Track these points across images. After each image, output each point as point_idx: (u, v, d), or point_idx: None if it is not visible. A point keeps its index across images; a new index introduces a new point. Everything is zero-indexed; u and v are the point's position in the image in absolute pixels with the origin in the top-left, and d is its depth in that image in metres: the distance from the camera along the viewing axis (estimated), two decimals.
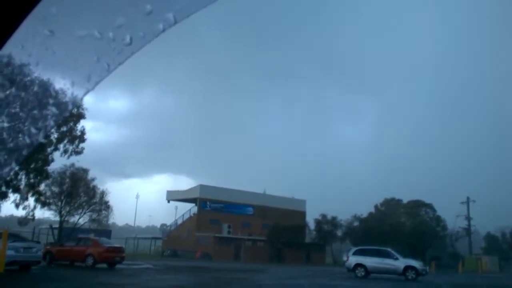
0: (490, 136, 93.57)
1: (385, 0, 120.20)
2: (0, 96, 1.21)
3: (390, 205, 51.02)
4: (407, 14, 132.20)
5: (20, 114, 1.19)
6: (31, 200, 23.43)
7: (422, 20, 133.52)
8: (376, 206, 50.59)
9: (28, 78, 1.19)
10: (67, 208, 28.51)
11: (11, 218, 30.30)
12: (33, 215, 23.96)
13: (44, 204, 24.73)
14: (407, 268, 20.31)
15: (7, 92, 1.19)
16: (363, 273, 20.73)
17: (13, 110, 1.19)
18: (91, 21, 1.12)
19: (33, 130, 1.19)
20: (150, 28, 1.12)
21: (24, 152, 1.19)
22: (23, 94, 1.21)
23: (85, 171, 28.78)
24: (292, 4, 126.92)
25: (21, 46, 1.11)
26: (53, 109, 1.22)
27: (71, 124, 22.07)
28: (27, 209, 23.20)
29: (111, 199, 31.12)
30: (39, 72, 1.16)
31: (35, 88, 1.21)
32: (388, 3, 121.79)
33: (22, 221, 24.67)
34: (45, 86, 1.20)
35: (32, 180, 21.25)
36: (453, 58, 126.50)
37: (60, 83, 1.17)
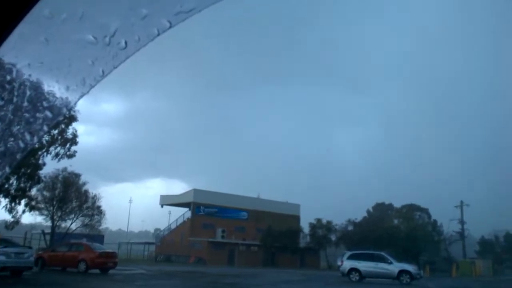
0: (485, 140, 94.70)
1: (385, 1, 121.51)
2: None
3: (382, 210, 51.25)
4: (407, 15, 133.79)
5: (13, 118, 1.17)
6: (21, 205, 23.05)
7: (423, 21, 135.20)
8: (368, 211, 50.75)
9: (22, 81, 1.17)
10: (59, 213, 28.13)
11: (4, 224, 29.80)
12: (17, 219, 23.54)
13: (32, 209, 24.34)
14: (401, 272, 20.39)
15: (1, 96, 1.18)
16: (357, 278, 20.75)
17: (5, 114, 1.17)
18: (86, 25, 1.11)
19: (26, 134, 1.18)
20: (145, 32, 1.11)
21: (18, 156, 1.17)
22: (15, 98, 1.19)
23: (77, 175, 28.48)
24: (290, 5, 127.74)
25: (15, 49, 1.11)
26: (47, 113, 1.21)
27: (63, 126, 21.82)
28: (13, 213, 22.82)
29: (104, 203, 30.85)
30: (33, 76, 1.15)
31: (29, 92, 1.19)
32: (388, 4, 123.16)
33: (8, 225, 24.26)
34: (39, 90, 1.19)
35: (23, 185, 20.93)
36: (453, 62, 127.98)
37: (55, 87, 1.16)
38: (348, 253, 22.59)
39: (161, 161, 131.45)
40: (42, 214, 27.71)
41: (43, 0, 1.05)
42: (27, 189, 21.66)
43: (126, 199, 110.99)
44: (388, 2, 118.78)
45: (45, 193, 27.29)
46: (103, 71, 1.16)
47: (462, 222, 45.39)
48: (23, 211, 23.53)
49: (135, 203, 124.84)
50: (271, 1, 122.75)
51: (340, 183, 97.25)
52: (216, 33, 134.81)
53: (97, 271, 18.15)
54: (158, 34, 1.12)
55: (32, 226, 31.50)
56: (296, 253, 44.32)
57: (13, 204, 21.87)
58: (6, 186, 19.64)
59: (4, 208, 21.89)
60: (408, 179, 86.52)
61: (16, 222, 23.76)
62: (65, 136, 22.40)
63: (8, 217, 23.45)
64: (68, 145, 22.61)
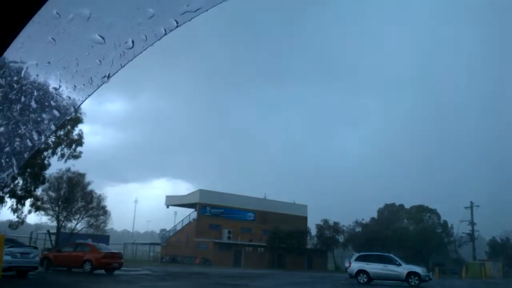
0: (495, 141, 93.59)
1: (387, 1, 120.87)
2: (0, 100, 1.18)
3: (391, 211, 50.83)
4: (410, 16, 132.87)
5: (20, 118, 1.18)
6: (27, 205, 23.23)
7: (426, 22, 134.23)
8: (378, 211, 50.37)
9: (30, 81, 1.18)
10: (64, 213, 28.27)
11: (9, 223, 30.10)
12: (22, 219, 23.69)
13: (37, 209, 24.50)
14: (410, 274, 20.16)
15: (8, 96, 1.18)
16: (365, 280, 20.57)
17: (13, 114, 1.17)
18: (93, 24, 1.11)
19: (34, 134, 1.18)
20: (152, 32, 1.11)
21: (26, 156, 1.18)
22: (23, 97, 1.19)
23: (82, 175, 28.56)
24: (293, 5, 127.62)
25: (23, 49, 1.11)
26: (55, 112, 1.21)
27: (69, 127, 22.01)
28: (18, 213, 22.99)
29: (109, 204, 31.07)
30: (40, 76, 1.16)
31: (36, 92, 1.20)
32: (390, 4, 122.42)
33: (12, 225, 24.44)
34: (47, 90, 1.19)
35: (29, 185, 21.12)
36: (458, 61, 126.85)
37: (62, 87, 1.17)
38: (356, 255, 22.37)
39: (166, 161, 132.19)
40: (47, 214, 27.90)
41: (50, 1, 1.05)
42: (33, 189, 21.86)
43: (132, 199, 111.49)
44: (390, 2, 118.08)
45: (50, 193, 27.45)
46: (110, 71, 1.15)
47: (472, 223, 44.77)
48: (29, 211, 23.71)
49: (140, 204, 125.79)
50: (276, 1, 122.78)
51: (348, 184, 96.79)
52: (221, 33, 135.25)
53: (102, 271, 18.21)
54: (165, 34, 1.12)
55: (37, 226, 31.72)
56: (303, 254, 44.08)
57: (19, 205, 22.10)
58: (12, 186, 19.82)
59: (10, 209, 22.12)
60: (418, 180, 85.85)
61: (21, 222, 23.94)
62: (71, 137, 22.60)
63: (13, 216, 23.64)
64: (74, 146, 22.81)
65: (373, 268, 20.67)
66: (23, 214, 23.44)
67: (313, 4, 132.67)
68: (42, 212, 27.16)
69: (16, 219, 23.56)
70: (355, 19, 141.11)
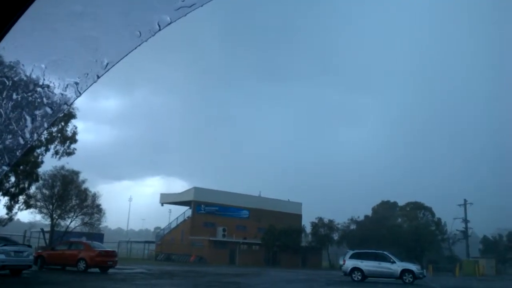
0: (489, 139, 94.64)
1: (386, 0, 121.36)
2: None
3: (386, 208, 51.19)
4: (408, 14, 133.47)
5: (13, 114, 1.15)
6: (19, 202, 22.95)
7: (427, 20, 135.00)
8: (373, 209, 50.71)
9: (22, 77, 1.16)
10: (58, 212, 28.02)
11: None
12: (10, 216, 23.39)
13: (28, 207, 24.15)
14: (404, 271, 20.33)
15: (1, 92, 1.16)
16: (359, 277, 20.70)
17: (4, 111, 1.15)
18: (87, 20, 1.09)
19: (26, 131, 1.17)
20: (147, 27, 1.10)
21: (18, 153, 1.17)
22: (16, 94, 1.17)
23: (76, 173, 28.29)
24: (292, 4, 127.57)
25: (16, 45, 1.10)
26: (47, 109, 1.20)
27: (62, 124, 21.77)
28: (12, 211, 22.70)
29: (103, 202, 30.66)
30: (33, 72, 1.14)
31: (29, 88, 1.17)
32: (389, 2, 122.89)
33: (1, 222, 24.14)
34: (39, 86, 1.17)
35: (21, 183, 20.88)
36: (459, 60, 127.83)
37: (55, 83, 1.15)
38: (351, 252, 22.49)
39: (161, 159, 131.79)
40: (41, 212, 27.60)
41: None
42: (26, 187, 21.62)
43: (126, 197, 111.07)
44: (391, 1, 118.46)
45: (44, 191, 27.14)
46: (104, 67, 1.14)
47: (465, 221, 45.21)
48: (19, 209, 23.39)
49: (135, 202, 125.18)
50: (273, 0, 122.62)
51: (343, 181, 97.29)
52: (217, 30, 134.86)
53: (96, 270, 18.12)
54: (160, 29, 1.11)
55: (31, 225, 31.41)
56: (298, 252, 44.28)
57: (12, 202, 21.83)
58: (5, 183, 19.57)
59: (3, 206, 21.85)
60: (412, 178, 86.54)
61: (10, 219, 23.62)
62: (65, 134, 22.38)
63: (3, 214, 23.31)
64: (67, 143, 22.59)
65: (367, 265, 20.80)
66: (13, 211, 23.14)
67: (311, 0, 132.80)
68: (36, 210, 26.90)
69: (6, 216, 23.24)
70: (355, 18, 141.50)
